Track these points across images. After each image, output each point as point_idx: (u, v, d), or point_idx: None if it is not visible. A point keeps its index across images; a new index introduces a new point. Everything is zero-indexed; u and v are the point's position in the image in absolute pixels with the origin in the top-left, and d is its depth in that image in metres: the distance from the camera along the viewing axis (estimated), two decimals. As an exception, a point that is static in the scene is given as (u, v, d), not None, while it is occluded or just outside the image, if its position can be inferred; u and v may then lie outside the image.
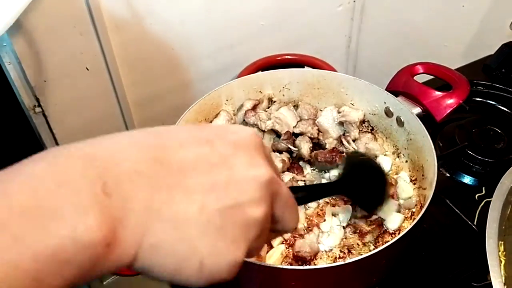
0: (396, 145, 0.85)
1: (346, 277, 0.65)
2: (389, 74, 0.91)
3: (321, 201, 0.79)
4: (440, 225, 0.80)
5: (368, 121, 0.89)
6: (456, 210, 0.79)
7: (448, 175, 0.89)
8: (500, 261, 0.61)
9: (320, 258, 0.71)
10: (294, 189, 0.39)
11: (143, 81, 1.20)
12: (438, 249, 0.78)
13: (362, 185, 0.63)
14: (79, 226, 0.25)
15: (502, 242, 0.63)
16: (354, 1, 1.48)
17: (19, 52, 0.95)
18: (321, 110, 0.89)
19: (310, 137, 0.84)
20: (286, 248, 0.72)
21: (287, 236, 0.73)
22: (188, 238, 0.30)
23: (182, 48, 1.21)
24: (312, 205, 0.78)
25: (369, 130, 0.88)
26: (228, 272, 0.32)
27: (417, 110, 0.82)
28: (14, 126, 1.07)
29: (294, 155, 0.84)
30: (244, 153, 0.33)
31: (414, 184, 0.79)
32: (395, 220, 0.74)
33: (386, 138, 0.87)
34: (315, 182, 0.80)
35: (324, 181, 0.82)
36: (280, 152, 0.83)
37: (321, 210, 0.77)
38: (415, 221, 0.64)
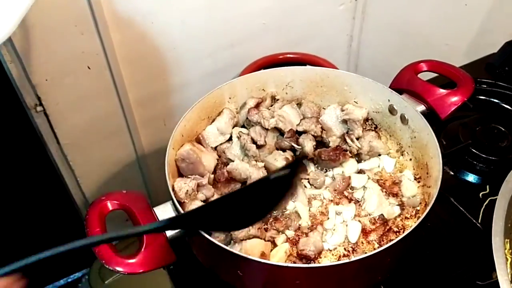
0: (400, 143, 0.85)
1: (350, 275, 0.65)
2: (391, 73, 0.90)
3: (324, 199, 0.78)
4: (444, 223, 0.80)
5: (371, 119, 0.88)
6: (461, 208, 0.79)
7: (452, 173, 0.88)
8: (506, 259, 0.60)
9: (324, 257, 0.71)
10: None
11: (145, 80, 1.20)
12: (442, 247, 0.78)
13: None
14: None
15: (508, 240, 0.63)
16: (355, 0, 1.47)
17: (20, 51, 0.95)
18: (325, 108, 0.89)
19: (313, 135, 0.84)
20: (290, 246, 0.72)
21: (291, 234, 0.73)
22: None
23: (183, 47, 1.21)
24: (316, 203, 0.77)
25: (373, 128, 0.88)
26: None
27: (421, 107, 0.82)
28: (15, 125, 1.07)
29: (298, 153, 0.83)
30: None
31: (419, 182, 0.79)
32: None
33: (390, 136, 0.87)
34: (318, 180, 0.80)
35: (327, 179, 0.81)
36: (284, 150, 0.83)
37: (325, 208, 0.77)
38: (420, 219, 0.64)
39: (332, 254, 0.71)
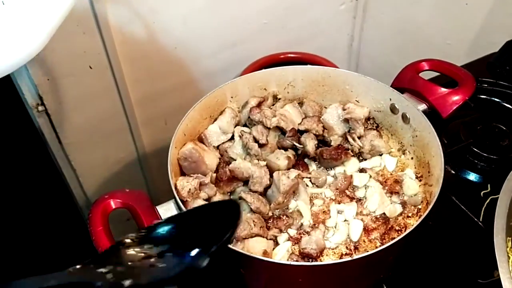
0: (401, 142, 0.85)
1: (352, 273, 0.65)
2: (391, 73, 0.90)
3: (326, 198, 0.79)
4: (445, 222, 0.80)
5: (373, 118, 0.89)
6: (462, 207, 0.79)
7: (453, 172, 0.88)
8: (508, 257, 0.60)
9: (326, 255, 0.71)
10: None
11: (146, 80, 1.20)
12: (444, 246, 0.78)
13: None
14: None
15: (510, 238, 0.63)
16: (356, 0, 1.47)
17: (22, 50, 0.95)
18: (326, 107, 0.89)
19: (315, 134, 0.84)
20: (292, 245, 0.72)
21: (293, 233, 0.73)
22: None
23: (185, 47, 1.21)
24: (318, 202, 0.78)
25: (374, 127, 0.88)
26: None
27: (423, 106, 0.82)
28: (17, 124, 1.07)
29: (299, 152, 0.83)
30: None
31: (420, 181, 0.79)
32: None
33: (392, 135, 0.87)
34: (320, 179, 0.80)
35: (329, 178, 0.81)
36: (286, 149, 0.83)
37: (327, 207, 0.77)
38: (422, 218, 0.64)
39: (334, 253, 0.71)
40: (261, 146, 0.82)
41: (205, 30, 1.21)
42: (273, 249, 0.71)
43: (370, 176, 0.81)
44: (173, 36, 1.16)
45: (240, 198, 0.75)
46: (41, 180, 1.19)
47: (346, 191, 0.79)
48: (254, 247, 0.68)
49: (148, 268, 0.44)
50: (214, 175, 0.79)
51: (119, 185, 1.27)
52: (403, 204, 0.76)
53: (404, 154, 0.84)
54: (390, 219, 0.75)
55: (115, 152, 1.27)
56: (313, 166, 0.84)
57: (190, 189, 0.71)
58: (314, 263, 0.67)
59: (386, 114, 0.86)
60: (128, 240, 0.47)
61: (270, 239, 0.71)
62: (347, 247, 0.72)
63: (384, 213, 0.75)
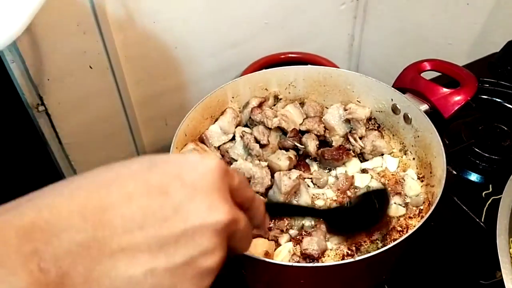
0: (403, 143, 0.85)
1: (354, 274, 0.65)
2: (392, 73, 0.90)
3: (327, 199, 0.78)
4: (447, 223, 0.80)
5: (374, 118, 0.88)
6: (464, 208, 0.78)
7: (454, 172, 0.88)
8: (511, 258, 0.60)
9: (328, 256, 0.71)
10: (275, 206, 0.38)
11: (147, 80, 1.20)
12: (445, 246, 0.78)
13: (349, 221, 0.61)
14: None
15: (512, 239, 0.63)
16: (357, 0, 1.47)
17: (22, 51, 0.95)
18: (327, 108, 0.89)
19: (316, 135, 0.84)
20: (294, 246, 0.72)
21: (295, 234, 0.73)
22: None
23: (185, 47, 1.21)
24: (319, 203, 0.77)
25: (376, 128, 0.88)
26: None
27: (425, 107, 0.82)
28: (17, 125, 1.07)
29: (301, 152, 0.83)
30: (202, 197, 0.31)
31: (422, 181, 0.79)
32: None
33: (393, 135, 0.87)
34: (321, 180, 0.80)
35: (331, 178, 0.81)
36: (287, 149, 0.83)
37: (328, 207, 0.77)
38: (424, 218, 0.64)
39: (336, 254, 0.71)
40: (262, 146, 0.82)
41: (205, 30, 1.21)
42: (275, 250, 0.70)
43: (372, 177, 0.81)
44: (174, 36, 1.16)
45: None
46: (41, 180, 1.19)
47: (348, 191, 0.79)
48: (256, 248, 0.68)
49: None
50: (215, 175, 0.79)
51: (119, 186, 1.27)
52: (405, 204, 0.76)
53: (405, 154, 0.84)
54: (392, 220, 0.74)
55: (116, 152, 1.27)
56: (314, 167, 0.84)
57: (191, 189, 0.71)
58: (315, 264, 0.67)
59: (387, 114, 0.86)
60: None
61: (272, 240, 0.71)
62: (349, 248, 0.71)
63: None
